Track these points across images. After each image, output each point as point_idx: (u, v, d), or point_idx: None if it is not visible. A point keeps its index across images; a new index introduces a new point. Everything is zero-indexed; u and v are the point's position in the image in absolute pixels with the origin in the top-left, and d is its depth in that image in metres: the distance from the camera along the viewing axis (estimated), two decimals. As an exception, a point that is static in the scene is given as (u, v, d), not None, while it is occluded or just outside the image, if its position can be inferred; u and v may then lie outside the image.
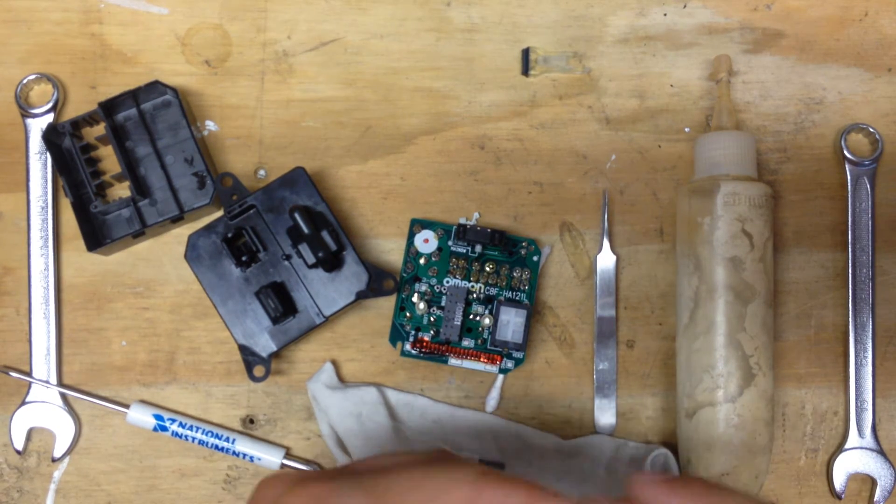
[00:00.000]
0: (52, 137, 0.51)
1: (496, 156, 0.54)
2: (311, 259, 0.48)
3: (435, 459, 0.33)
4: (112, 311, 0.52)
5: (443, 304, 0.51)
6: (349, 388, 0.50)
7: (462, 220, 0.53)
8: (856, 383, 0.52)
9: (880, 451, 0.51)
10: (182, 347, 0.52)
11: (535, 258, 0.51)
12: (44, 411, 0.51)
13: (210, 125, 0.54)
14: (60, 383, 0.51)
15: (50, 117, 0.53)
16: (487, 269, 0.51)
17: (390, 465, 0.33)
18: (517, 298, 0.51)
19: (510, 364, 0.51)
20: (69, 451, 0.51)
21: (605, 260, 0.52)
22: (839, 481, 0.51)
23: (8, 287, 0.52)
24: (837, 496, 0.51)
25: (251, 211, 0.50)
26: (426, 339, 0.51)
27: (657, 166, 0.54)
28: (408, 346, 0.51)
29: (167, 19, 0.54)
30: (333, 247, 0.49)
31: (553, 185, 0.54)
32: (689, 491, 0.31)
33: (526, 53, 0.54)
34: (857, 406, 0.52)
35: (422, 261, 0.51)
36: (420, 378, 0.52)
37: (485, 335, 0.51)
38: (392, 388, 0.51)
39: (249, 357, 0.49)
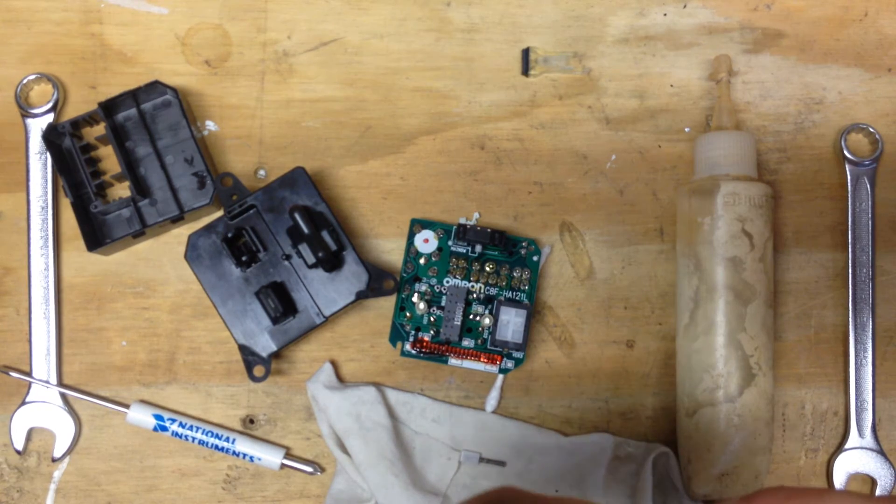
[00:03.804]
0: (52, 137, 0.51)
1: (496, 156, 0.54)
2: (311, 259, 0.48)
3: None
4: (112, 311, 0.52)
5: (443, 304, 0.51)
6: (348, 388, 0.50)
7: (462, 220, 0.53)
8: (856, 383, 0.52)
9: (880, 451, 0.51)
10: (182, 347, 0.52)
11: (535, 258, 0.51)
12: (44, 411, 0.51)
13: (210, 125, 0.54)
14: (60, 383, 0.51)
15: (50, 117, 0.53)
16: (487, 269, 0.51)
17: None
18: (517, 298, 0.51)
19: (510, 364, 0.51)
20: (69, 451, 0.51)
21: None
22: (839, 481, 0.51)
23: (8, 287, 0.52)
24: (837, 496, 0.51)
25: (251, 211, 0.50)
26: (426, 339, 0.51)
27: (657, 166, 0.54)
28: (408, 346, 0.51)
29: (167, 19, 0.54)
30: (333, 247, 0.49)
31: (553, 185, 0.53)
32: None
33: (526, 53, 0.54)
34: (857, 406, 0.52)
35: (422, 261, 0.51)
36: (420, 378, 0.52)
37: (485, 335, 0.51)
38: (391, 388, 0.51)
39: (249, 357, 0.49)
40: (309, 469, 0.51)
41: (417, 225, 0.52)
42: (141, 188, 0.51)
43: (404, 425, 0.51)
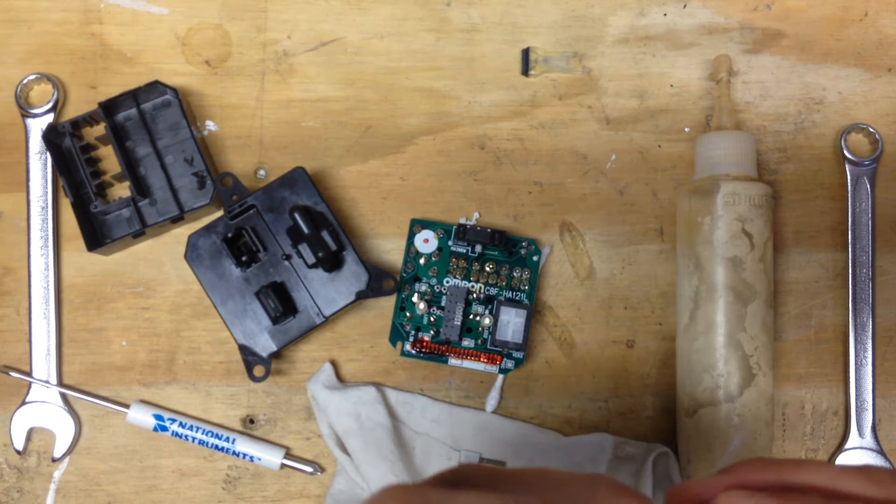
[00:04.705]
0: (52, 137, 0.51)
1: (496, 156, 0.54)
2: (311, 259, 0.48)
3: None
4: (112, 311, 0.52)
5: (443, 304, 0.51)
6: (348, 388, 0.50)
7: (462, 220, 0.53)
8: (856, 383, 0.52)
9: (880, 451, 0.51)
10: (182, 347, 0.52)
11: (535, 258, 0.51)
12: (44, 411, 0.51)
13: (210, 125, 0.54)
14: (60, 383, 0.51)
15: (50, 117, 0.53)
16: (487, 269, 0.51)
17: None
18: (517, 298, 0.51)
19: (510, 364, 0.51)
20: (69, 451, 0.51)
21: None
22: (839, 481, 0.51)
23: (8, 287, 0.52)
24: (837, 496, 0.51)
25: (251, 211, 0.50)
26: (426, 339, 0.51)
27: (657, 166, 0.54)
28: (408, 346, 0.51)
29: (167, 19, 0.54)
30: (333, 247, 0.49)
31: (553, 185, 0.53)
32: None
33: (526, 53, 0.54)
34: (857, 406, 0.52)
35: (422, 261, 0.51)
36: (420, 378, 0.52)
37: (485, 335, 0.51)
38: (391, 388, 0.51)
39: (249, 357, 0.49)
40: (309, 469, 0.51)
41: (417, 225, 0.52)
42: (141, 188, 0.51)
43: (404, 425, 0.51)
